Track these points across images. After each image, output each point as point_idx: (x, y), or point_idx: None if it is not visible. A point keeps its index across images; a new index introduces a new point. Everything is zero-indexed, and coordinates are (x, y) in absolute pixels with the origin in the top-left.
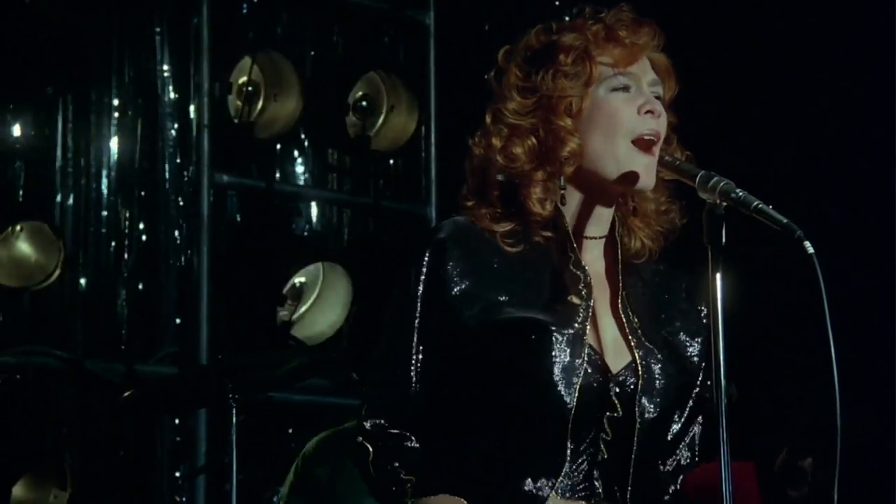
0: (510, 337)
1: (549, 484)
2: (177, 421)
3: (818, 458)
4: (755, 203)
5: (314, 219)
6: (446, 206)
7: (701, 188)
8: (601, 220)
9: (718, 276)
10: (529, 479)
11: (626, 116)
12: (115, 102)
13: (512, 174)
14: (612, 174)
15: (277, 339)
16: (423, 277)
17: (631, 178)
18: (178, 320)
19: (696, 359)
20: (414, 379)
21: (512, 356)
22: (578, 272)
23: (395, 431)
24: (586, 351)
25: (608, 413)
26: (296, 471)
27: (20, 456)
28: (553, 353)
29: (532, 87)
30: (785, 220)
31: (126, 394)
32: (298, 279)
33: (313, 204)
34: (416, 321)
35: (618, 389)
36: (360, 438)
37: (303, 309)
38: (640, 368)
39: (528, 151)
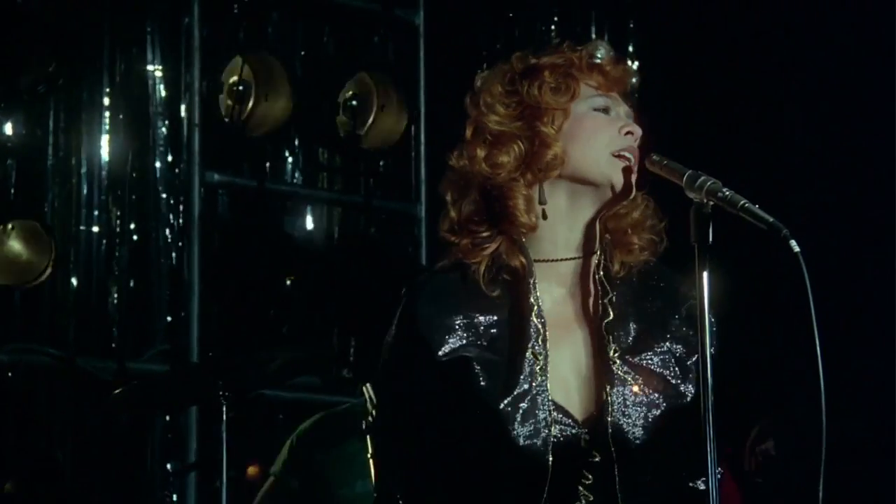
0: (477, 412)
1: None
2: (168, 418)
3: (782, 442)
4: (742, 202)
5: (305, 218)
6: (436, 204)
7: (688, 187)
8: (584, 235)
9: (705, 275)
10: None
11: (606, 134)
12: (107, 102)
13: (495, 185)
14: (594, 177)
15: (268, 336)
16: (399, 338)
17: (613, 181)
18: (169, 318)
19: (690, 376)
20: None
21: (480, 427)
22: (537, 320)
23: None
24: (549, 407)
25: (585, 459)
26: (290, 449)
27: (12, 453)
28: (515, 420)
29: (517, 98)
30: (771, 219)
31: (117, 391)
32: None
33: (304, 203)
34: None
35: (588, 433)
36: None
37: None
38: (612, 405)
39: (513, 159)
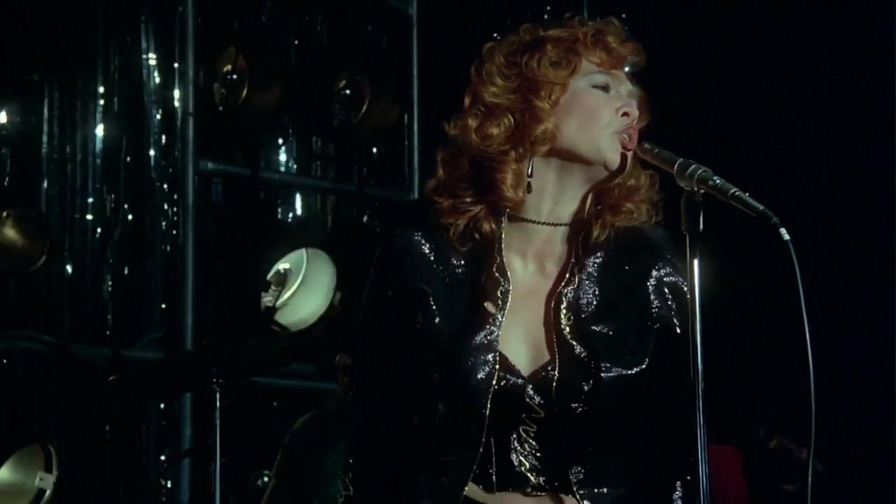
0: (428, 349)
1: (462, 480)
2: (162, 405)
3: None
4: (732, 190)
5: (298, 205)
6: None
7: (679, 176)
8: (570, 205)
9: (696, 262)
10: (445, 478)
11: (604, 113)
12: (101, 90)
13: (484, 156)
14: (588, 154)
15: (261, 324)
16: (375, 280)
17: (607, 160)
18: (163, 306)
19: (647, 347)
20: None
21: (429, 365)
22: (500, 277)
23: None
24: (496, 358)
25: (526, 415)
26: (283, 450)
27: (7, 439)
28: (467, 363)
29: (516, 71)
30: (761, 207)
31: (112, 378)
32: (282, 265)
33: (298, 191)
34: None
35: (531, 391)
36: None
37: (287, 295)
38: (557, 369)
39: (503, 131)
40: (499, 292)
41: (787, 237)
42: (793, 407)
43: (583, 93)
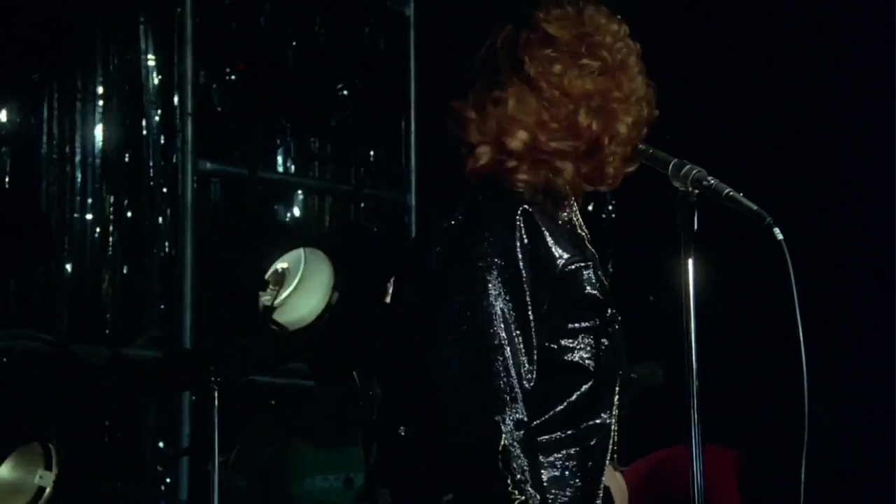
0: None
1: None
2: (160, 404)
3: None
4: (726, 191)
5: (296, 206)
6: (426, 193)
7: (673, 176)
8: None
9: (690, 262)
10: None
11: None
12: (100, 90)
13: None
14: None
15: (259, 323)
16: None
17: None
18: (162, 305)
19: None
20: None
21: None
22: (583, 233)
23: (527, 416)
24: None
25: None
26: (237, 449)
27: (6, 437)
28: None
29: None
30: (755, 207)
31: (111, 377)
32: (281, 265)
33: (295, 191)
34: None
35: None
36: (491, 426)
37: (285, 294)
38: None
39: None
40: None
41: (780, 237)
42: (778, 412)
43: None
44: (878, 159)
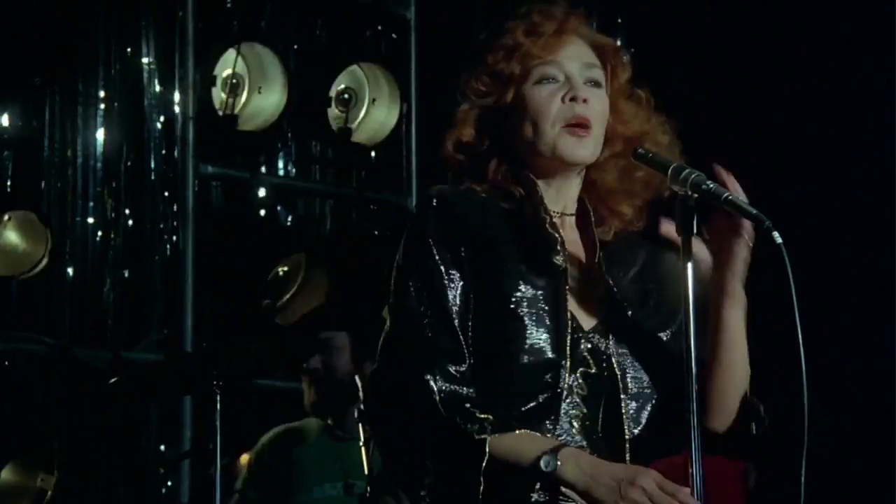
0: (505, 304)
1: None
2: (162, 407)
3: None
4: (725, 194)
5: (297, 209)
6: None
7: (673, 180)
8: (565, 197)
9: (690, 265)
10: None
11: (551, 108)
12: (102, 94)
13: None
14: (543, 152)
15: (261, 326)
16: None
17: (563, 155)
18: (163, 308)
19: (675, 316)
20: (456, 323)
21: (507, 320)
22: (554, 233)
23: (458, 373)
24: (568, 314)
25: (583, 369)
26: (249, 465)
27: (8, 440)
28: (545, 322)
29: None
30: (754, 211)
31: (112, 380)
32: (281, 268)
33: (297, 195)
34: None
35: (590, 346)
36: (423, 384)
37: (286, 297)
38: (610, 328)
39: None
40: (557, 247)
41: (779, 240)
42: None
43: (528, 94)
44: (879, 161)
